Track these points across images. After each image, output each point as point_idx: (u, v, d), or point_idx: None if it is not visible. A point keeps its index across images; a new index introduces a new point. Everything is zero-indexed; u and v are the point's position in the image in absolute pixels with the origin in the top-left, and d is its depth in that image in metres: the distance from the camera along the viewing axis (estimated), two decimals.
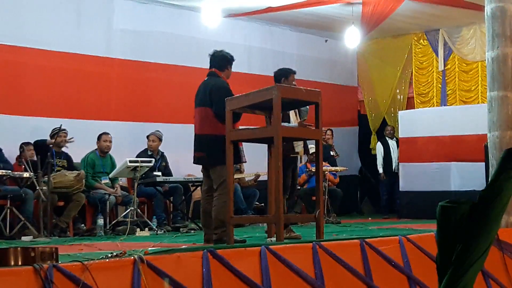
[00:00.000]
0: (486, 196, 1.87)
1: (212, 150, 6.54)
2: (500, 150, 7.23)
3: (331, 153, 12.16)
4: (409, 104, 14.59)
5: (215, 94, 6.61)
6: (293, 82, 7.57)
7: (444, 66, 14.18)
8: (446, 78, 14.21)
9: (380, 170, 13.03)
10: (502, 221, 7.14)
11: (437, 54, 14.25)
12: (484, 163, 9.00)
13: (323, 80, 13.82)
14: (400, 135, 12.29)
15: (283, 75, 7.64)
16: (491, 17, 7.27)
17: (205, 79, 6.96)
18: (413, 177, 11.89)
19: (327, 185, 10.93)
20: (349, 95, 15.23)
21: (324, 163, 11.00)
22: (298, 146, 7.75)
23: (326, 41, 14.54)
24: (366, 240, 5.77)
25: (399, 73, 14.77)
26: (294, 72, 7.74)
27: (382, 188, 13.21)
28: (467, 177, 10.93)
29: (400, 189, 12.17)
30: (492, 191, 1.87)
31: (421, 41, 14.56)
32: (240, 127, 6.87)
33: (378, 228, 8.85)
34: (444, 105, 13.89)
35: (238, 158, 6.65)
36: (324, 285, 5.04)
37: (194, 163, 6.95)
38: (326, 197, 10.75)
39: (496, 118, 7.32)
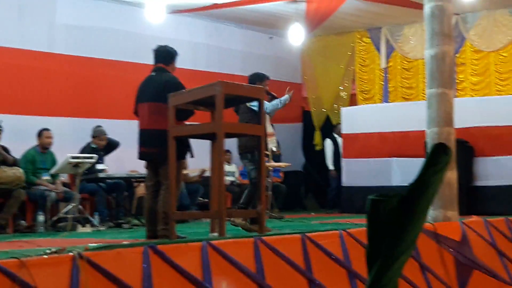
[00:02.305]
0: (413, 190, 1.92)
1: (165, 145, 6.47)
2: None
3: (274, 149, 12.21)
4: (352, 101, 14.77)
5: (171, 90, 6.51)
6: (266, 87, 7.94)
7: (386, 64, 14.41)
8: (388, 75, 14.44)
9: (331, 167, 13.18)
10: (439, 216, 7.35)
11: (379, 52, 14.47)
12: (424, 159, 9.17)
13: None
14: (343, 131, 12.44)
15: (258, 79, 7.97)
16: (430, 15, 7.42)
17: (151, 74, 6.92)
18: (356, 173, 12.06)
19: (271, 181, 11.00)
20: (293, 92, 15.29)
21: (267, 159, 11.10)
22: (270, 143, 7.98)
23: (271, 38, 14.62)
24: (307, 234, 5.85)
25: (343, 70, 14.95)
26: (268, 78, 8.18)
27: (332, 184, 13.34)
28: (408, 172, 11.09)
29: (342, 185, 12.33)
30: (419, 185, 1.92)
31: (364, 39, 14.76)
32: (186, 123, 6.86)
33: (320, 223, 8.96)
34: (386, 102, 14.12)
35: (190, 153, 6.70)
36: (265, 280, 5.09)
37: (140, 158, 6.89)
38: (270, 192, 10.82)
39: (434, 115, 7.48)
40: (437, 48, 7.47)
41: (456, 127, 7.94)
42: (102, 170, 9.56)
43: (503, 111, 10.78)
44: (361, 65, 14.82)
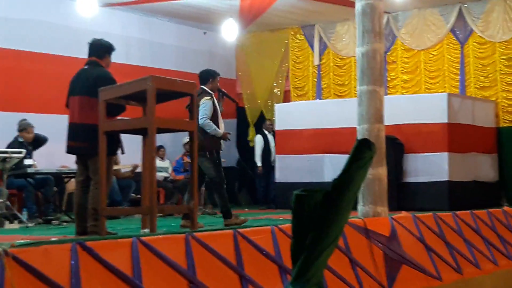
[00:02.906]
0: (338, 185, 1.95)
1: (95, 140, 6.37)
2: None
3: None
4: (286, 98, 14.86)
5: (102, 85, 6.40)
6: (218, 84, 8.16)
7: (320, 61, 14.54)
8: (321, 72, 14.57)
9: (259, 163, 13.22)
10: (369, 211, 7.46)
11: (312, 49, 14.59)
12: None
13: None
14: (277, 128, 12.50)
15: (211, 75, 8.15)
16: (362, 13, 7.51)
17: (84, 67, 6.82)
18: (289, 169, 12.13)
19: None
20: (228, 88, 15.17)
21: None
22: (223, 142, 8.03)
23: (205, 33, 14.57)
24: (239, 230, 5.85)
25: (277, 67, 15.02)
26: (219, 74, 8.34)
27: (259, 180, 13.41)
28: (340, 168, 11.24)
29: (275, 181, 12.40)
30: (344, 180, 1.94)
31: (298, 36, 14.86)
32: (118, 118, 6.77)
33: (253, 219, 8.98)
34: (319, 99, 14.25)
35: (120, 148, 6.63)
36: (196, 276, 5.07)
37: (68, 152, 6.77)
38: (203, 188, 10.80)
39: (365, 112, 7.58)
40: (368, 45, 7.57)
41: (387, 124, 8.06)
42: (30, 165, 9.36)
43: (432, 108, 11.01)
44: (294, 61, 14.92)
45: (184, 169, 11.36)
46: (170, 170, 12.38)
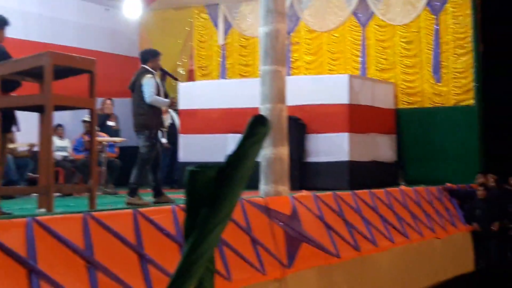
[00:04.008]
0: (231, 161, 1.93)
1: None
2: (272, 122, 7.56)
3: (110, 123, 11.98)
4: (190, 77, 14.76)
5: None
6: (159, 63, 8.11)
7: (224, 41, 14.50)
8: (226, 52, 14.54)
9: (164, 140, 13.10)
10: (271, 190, 7.53)
11: (217, 29, 14.54)
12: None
13: (104, 49, 13.55)
14: (180, 107, 12.41)
15: (150, 55, 8.10)
16: None
17: None
18: (193, 148, 12.08)
19: (105, 156, 10.80)
20: (131, 66, 14.97)
21: (101, 133, 10.88)
22: (166, 120, 7.92)
23: (107, 9, 14.25)
24: (140, 210, 5.79)
25: (181, 45, 14.88)
26: (160, 54, 8.24)
27: (165, 159, 13.28)
28: None
29: (179, 160, 12.33)
30: (237, 156, 1.93)
31: (202, 15, 14.76)
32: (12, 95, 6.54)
33: None
34: (224, 79, 14.23)
35: (16, 126, 6.42)
36: (94, 256, 4.99)
37: None
38: (105, 168, 10.62)
39: (268, 92, 7.64)
40: (271, 25, 7.61)
41: (290, 104, 8.15)
42: None
43: (334, 89, 11.18)
44: (199, 41, 14.82)
45: (84, 148, 11.12)
46: (69, 149, 12.09)
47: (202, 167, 1.91)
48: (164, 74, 8.52)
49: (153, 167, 8.05)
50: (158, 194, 8.03)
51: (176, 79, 8.99)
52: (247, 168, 1.93)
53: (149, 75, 7.96)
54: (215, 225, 1.83)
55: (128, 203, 7.60)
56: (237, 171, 1.91)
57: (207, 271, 1.89)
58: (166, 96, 8.27)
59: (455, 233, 10.75)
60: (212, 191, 1.87)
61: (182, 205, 6.12)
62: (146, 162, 7.96)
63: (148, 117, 7.88)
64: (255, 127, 1.95)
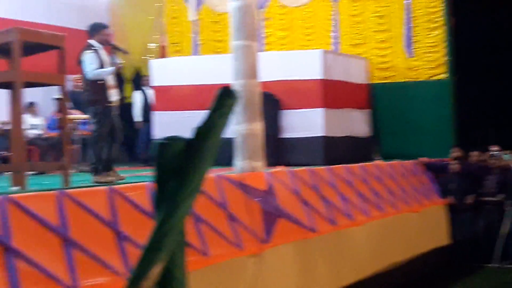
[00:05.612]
0: (200, 133, 1.91)
1: None
2: (245, 98, 7.52)
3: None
4: (163, 53, 14.63)
5: None
6: (108, 36, 7.84)
7: (196, 16, 14.37)
8: (198, 28, 14.42)
9: (139, 118, 13.02)
10: (246, 166, 7.50)
11: (188, 4, 14.39)
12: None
13: (74, 25, 13.31)
14: (154, 84, 12.30)
15: (95, 29, 7.75)
16: None
17: None
18: (167, 126, 11.97)
19: (81, 133, 10.70)
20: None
21: (74, 111, 10.76)
22: (113, 95, 7.69)
23: None
24: (114, 187, 5.74)
25: (152, 22, 14.72)
26: (106, 27, 7.97)
27: (141, 137, 13.21)
28: None
29: (153, 138, 12.24)
30: (206, 127, 1.91)
31: None
32: None
33: (131, 176, 8.83)
34: (196, 55, 14.12)
35: None
36: (69, 233, 4.94)
37: None
38: (79, 145, 10.53)
39: (240, 67, 7.59)
40: (242, 0, 7.54)
41: (263, 80, 8.11)
42: None
43: (307, 65, 11.14)
44: (171, 17, 14.67)
45: (58, 126, 10.98)
46: (43, 127, 11.95)
47: (171, 140, 1.89)
48: (114, 49, 8.21)
49: (108, 142, 7.77)
50: (106, 169, 7.72)
51: (125, 53, 8.68)
52: (215, 140, 1.92)
53: (88, 51, 7.64)
54: (185, 197, 1.81)
55: (95, 182, 7.42)
56: (205, 143, 1.89)
57: (178, 244, 1.86)
58: (119, 76, 7.95)
59: (430, 206, 10.84)
60: (181, 163, 1.85)
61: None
62: (97, 139, 7.69)
63: (91, 93, 7.50)
64: (222, 100, 1.94)
